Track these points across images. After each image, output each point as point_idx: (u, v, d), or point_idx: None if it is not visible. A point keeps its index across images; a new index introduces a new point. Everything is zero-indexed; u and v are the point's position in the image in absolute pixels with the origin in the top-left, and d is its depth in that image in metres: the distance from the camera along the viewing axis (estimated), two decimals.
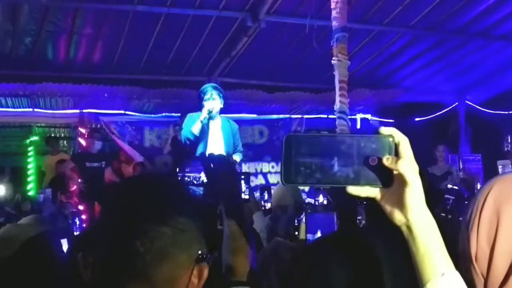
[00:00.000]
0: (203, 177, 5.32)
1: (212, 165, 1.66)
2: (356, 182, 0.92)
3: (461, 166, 9.14)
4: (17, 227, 2.30)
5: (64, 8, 7.08)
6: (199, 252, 1.09)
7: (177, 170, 5.31)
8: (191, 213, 1.10)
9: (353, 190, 0.92)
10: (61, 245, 2.32)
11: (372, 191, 0.94)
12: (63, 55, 8.41)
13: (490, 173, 8.65)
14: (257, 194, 6.21)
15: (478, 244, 1.14)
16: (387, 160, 0.90)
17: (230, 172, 1.64)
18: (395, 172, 0.91)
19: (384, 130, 0.93)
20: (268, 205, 5.76)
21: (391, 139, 0.92)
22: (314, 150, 0.92)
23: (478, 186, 7.53)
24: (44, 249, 1.96)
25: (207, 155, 5.21)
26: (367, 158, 0.91)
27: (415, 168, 0.90)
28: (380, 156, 0.91)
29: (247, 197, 3.09)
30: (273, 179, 10.12)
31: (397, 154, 0.91)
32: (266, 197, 6.22)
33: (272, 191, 5.53)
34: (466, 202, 1.32)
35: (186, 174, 4.85)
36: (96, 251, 1.06)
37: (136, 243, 1.02)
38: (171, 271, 1.05)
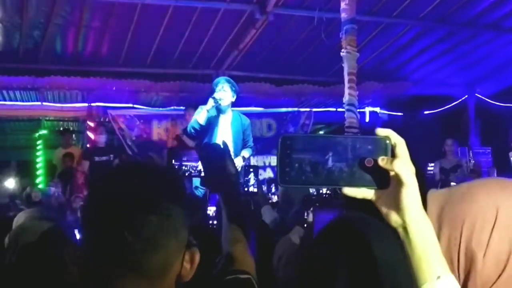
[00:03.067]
0: (200, 167, 5.27)
1: (207, 154, 1.65)
2: (352, 183, 0.92)
3: (471, 159, 9.09)
4: (31, 219, 2.32)
5: (72, 1, 7.07)
6: (187, 237, 1.08)
7: (173, 160, 5.24)
8: (176, 198, 1.08)
9: (348, 191, 0.92)
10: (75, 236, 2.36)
11: (368, 193, 0.93)
12: (71, 48, 8.43)
13: (500, 166, 8.62)
14: (264, 188, 6.21)
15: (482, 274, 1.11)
16: (382, 161, 0.90)
17: (225, 161, 1.62)
18: (391, 173, 0.90)
19: (380, 131, 0.92)
20: (275, 198, 5.74)
21: (387, 141, 0.91)
22: (310, 151, 0.92)
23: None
24: (60, 240, 1.98)
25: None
26: (363, 159, 0.91)
27: (412, 169, 0.90)
28: (376, 157, 0.91)
29: (255, 190, 3.08)
30: None
31: (393, 156, 0.90)
32: (273, 189, 6.21)
33: None
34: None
35: (183, 163, 4.80)
36: (84, 245, 1.05)
37: (123, 232, 0.99)
38: (162, 259, 1.03)
